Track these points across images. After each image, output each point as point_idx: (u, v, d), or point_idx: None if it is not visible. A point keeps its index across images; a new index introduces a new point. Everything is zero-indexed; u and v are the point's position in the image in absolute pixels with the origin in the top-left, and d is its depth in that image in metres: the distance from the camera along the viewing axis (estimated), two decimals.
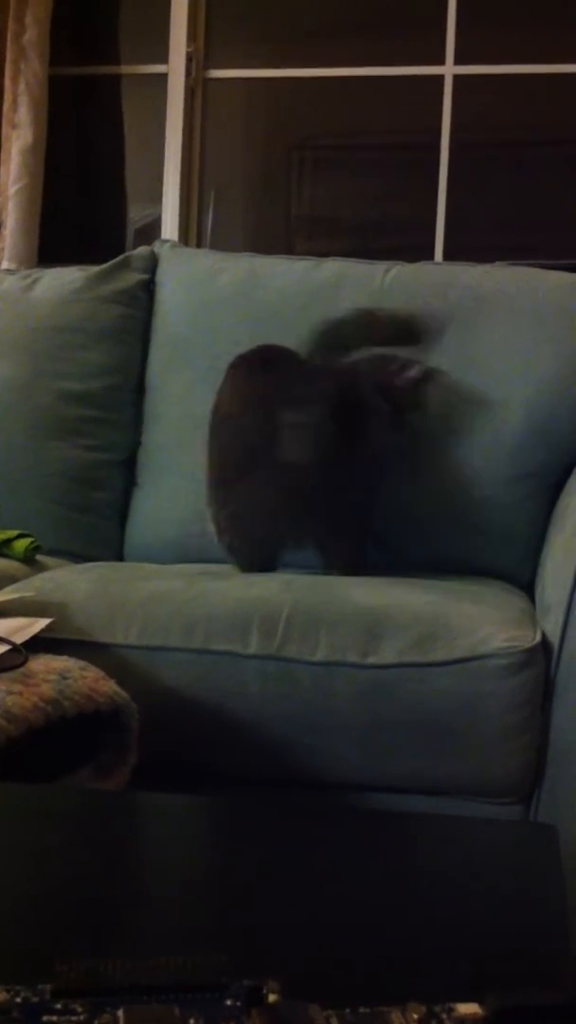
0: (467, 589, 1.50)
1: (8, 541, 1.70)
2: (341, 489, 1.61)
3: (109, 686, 1.16)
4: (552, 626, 1.34)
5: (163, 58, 2.92)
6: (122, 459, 1.99)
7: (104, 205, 3.09)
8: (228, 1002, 0.41)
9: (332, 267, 1.97)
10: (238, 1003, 0.41)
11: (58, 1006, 0.40)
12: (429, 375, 1.66)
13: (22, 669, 1.10)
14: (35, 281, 2.05)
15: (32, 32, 2.77)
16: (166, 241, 2.17)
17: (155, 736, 1.19)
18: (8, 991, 0.41)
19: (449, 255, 2.81)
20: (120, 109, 3.04)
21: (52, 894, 0.57)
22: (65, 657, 1.19)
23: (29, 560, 1.69)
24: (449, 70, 2.85)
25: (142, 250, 2.11)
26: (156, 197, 2.94)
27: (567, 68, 2.79)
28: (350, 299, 1.90)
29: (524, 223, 2.88)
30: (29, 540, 1.71)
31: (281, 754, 1.32)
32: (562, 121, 2.84)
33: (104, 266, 2.05)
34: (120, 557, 1.94)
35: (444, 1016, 0.40)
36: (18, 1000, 0.41)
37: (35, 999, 0.41)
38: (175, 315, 2.01)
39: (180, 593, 1.41)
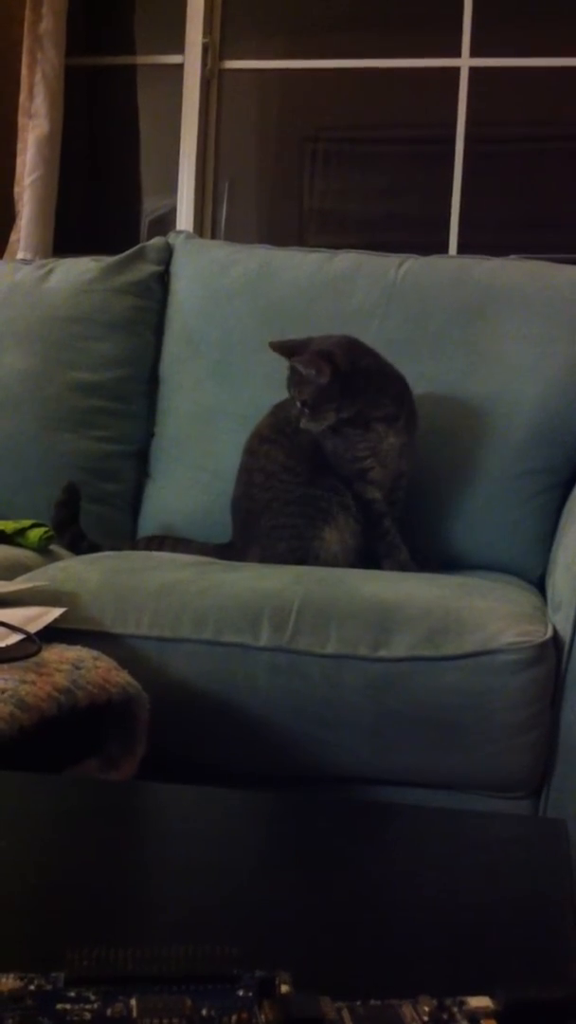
0: (478, 584, 1.50)
1: (22, 531, 1.71)
2: None
3: (122, 676, 1.16)
4: (563, 622, 1.34)
5: (179, 48, 2.91)
6: (134, 450, 2.00)
7: (119, 196, 3.09)
8: (240, 993, 0.41)
9: (346, 259, 1.96)
10: (250, 994, 0.41)
11: (71, 994, 0.41)
12: None
13: (35, 658, 1.11)
14: (50, 271, 2.05)
15: (48, 22, 2.77)
16: (181, 232, 2.17)
17: (164, 727, 1.20)
18: (22, 979, 0.41)
19: (463, 250, 2.80)
20: (135, 100, 3.04)
21: (63, 884, 0.57)
22: (79, 647, 1.19)
23: (43, 550, 1.70)
24: (465, 62, 2.84)
25: (157, 241, 2.11)
26: (170, 188, 2.94)
27: None
28: (363, 291, 1.90)
29: (540, 219, 2.87)
30: (43, 529, 1.71)
31: (290, 746, 1.32)
32: None
33: (118, 257, 2.05)
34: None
35: (455, 1010, 0.40)
36: (32, 987, 0.41)
37: (48, 987, 0.41)
38: (188, 307, 2.01)
39: (191, 584, 1.41)
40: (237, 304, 1.95)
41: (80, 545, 1.76)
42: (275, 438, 1.71)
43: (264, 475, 1.70)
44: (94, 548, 1.76)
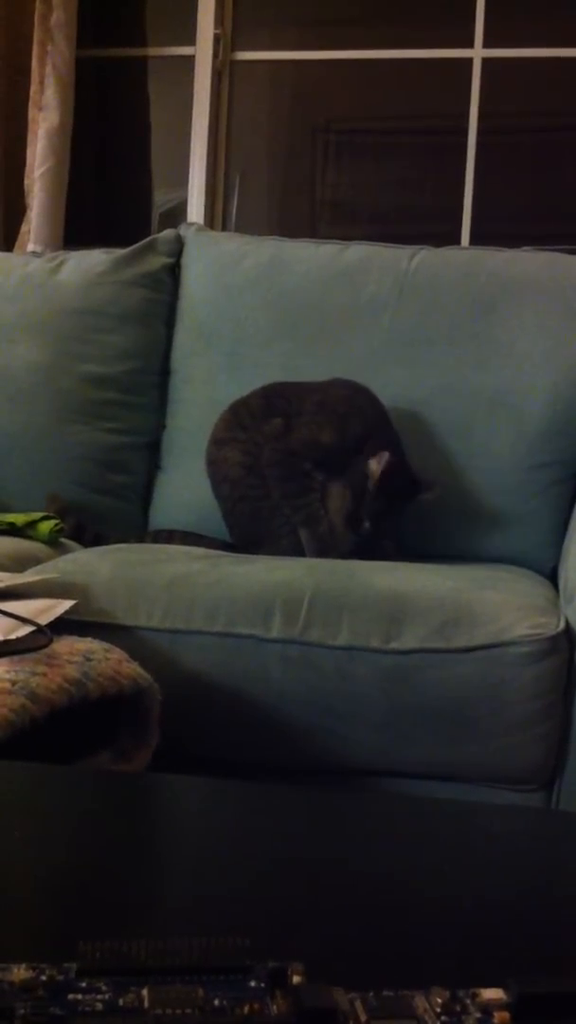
0: (490, 576, 1.50)
1: (33, 523, 1.71)
2: None
3: (133, 668, 1.16)
4: (575, 614, 1.34)
5: (190, 40, 2.90)
6: (145, 442, 2.00)
7: (130, 188, 3.08)
8: (252, 984, 0.41)
9: (358, 251, 1.96)
10: (262, 985, 0.41)
11: (83, 984, 0.41)
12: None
13: (46, 650, 1.11)
14: (60, 264, 2.06)
15: (59, 14, 2.76)
16: (192, 224, 2.17)
17: (175, 719, 1.20)
18: (33, 969, 0.41)
19: (476, 241, 2.79)
20: (146, 91, 3.03)
21: (75, 875, 0.57)
22: (89, 639, 1.19)
23: (53, 542, 1.70)
24: (478, 53, 2.83)
25: (167, 233, 2.11)
26: (181, 180, 2.94)
27: None
28: (376, 283, 1.90)
29: (553, 210, 2.85)
30: (53, 522, 1.71)
31: (302, 738, 1.32)
32: None
33: (129, 249, 2.05)
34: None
35: (467, 1001, 0.40)
36: (43, 978, 0.41)
37: (60, 977, 0.41)
38: (199, 299, 2.00)
39: (203, 576, 1.41)
40: (248, 296, 1.95)
41: (83, 536, 1.77)
42: (231, 437, 1.74)
43: (230, 484, 1.72)
44: (99, 539, 1.76)
